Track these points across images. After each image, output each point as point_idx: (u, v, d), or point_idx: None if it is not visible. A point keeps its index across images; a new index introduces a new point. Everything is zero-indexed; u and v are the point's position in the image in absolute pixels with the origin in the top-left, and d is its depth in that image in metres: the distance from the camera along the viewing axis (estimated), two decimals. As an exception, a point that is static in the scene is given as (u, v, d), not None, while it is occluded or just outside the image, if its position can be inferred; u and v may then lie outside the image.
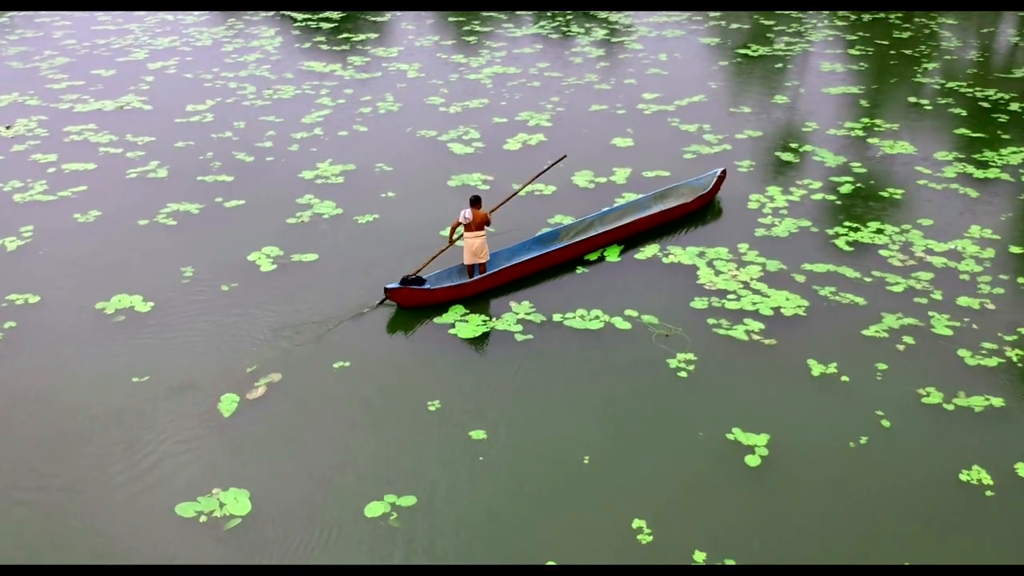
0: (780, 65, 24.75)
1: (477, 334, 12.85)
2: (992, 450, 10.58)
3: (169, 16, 29.84)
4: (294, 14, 29.90)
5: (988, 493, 9.97)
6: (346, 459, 10.51)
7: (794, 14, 30.18)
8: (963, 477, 10.19)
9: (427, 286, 13.46)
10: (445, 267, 14.27)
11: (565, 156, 16.24)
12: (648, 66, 24.70)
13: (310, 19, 29.46)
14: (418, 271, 13.70)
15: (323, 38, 27.40)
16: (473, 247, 13.63)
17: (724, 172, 16.60)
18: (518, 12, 30.30)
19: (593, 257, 14.90)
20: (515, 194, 15.04)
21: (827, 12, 30.14)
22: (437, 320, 13.20)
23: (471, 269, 13.94)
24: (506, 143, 19.48)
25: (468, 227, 13.60)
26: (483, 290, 13.80)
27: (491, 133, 19.99)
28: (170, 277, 14.37)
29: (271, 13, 30.09)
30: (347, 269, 14.55)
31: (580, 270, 14.57)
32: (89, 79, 23.96)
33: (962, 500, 9.89)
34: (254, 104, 21.89)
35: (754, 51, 26.02)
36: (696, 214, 16.15)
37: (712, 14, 30.06)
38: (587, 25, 28.75)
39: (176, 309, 13.51)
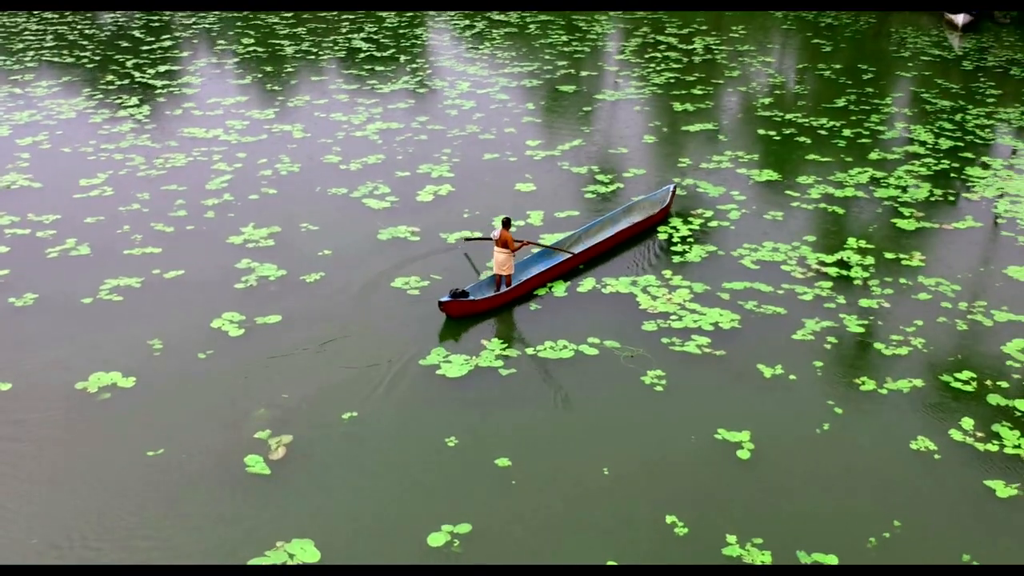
0: (638, 108, 27.13)
1: (464, 372, 13.89)
2: (927, 422, 12.73)
3: (17, 89, 28.86)
4: (155, 82, 29.68)
5: (936, 456, 12.04)
6: (390, 498, 11.31)
7: (634, 59, 32.92)
8: (913, 446, 12.23)
9: (471, 298, 15.26)
10: (477, 281, 16.18)
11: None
12: (520, 115, 26.42)
13: (170, 84, 29.33)
14: (474, 267, 15.87)
15: (192, 104, 27.45)
16: (498, 260, 15.76)
17: (676, 187, 19.19)
18: (378, 68, 31.37)
19: (542, 292, 16.27)
20: (535, 244, 16.71)
21: (661, 57, 33.06)
22: (422, 362, 14.13)
23: (499, 280, 15.88)
24: (418, 195, 20.55)
25: (497, 243, 15.65)
26: (512, 299, 15.80)
27: (400, 187, 21.00)
28: (140, 351, 14.52)
29: (127, 81, 29.72)
30: (313, 327, 15.17)
31: (533, 306, 15.89)
32: (-43, 159, 23.06)
33: (918, 463, 11.92)
34: (149, 174, 21.86)
35: (611, 96, 28.32)
36: (631, 239, 17.98)
37: (557, 64, 32.26)
38: (449, 78, 30.22)
39: (161, 381, 13.74)
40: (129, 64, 31.95)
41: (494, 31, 37.44)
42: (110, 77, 30.19)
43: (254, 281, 16.74)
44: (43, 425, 12.77)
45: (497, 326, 15.27)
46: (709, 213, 19.55)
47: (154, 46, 34.83)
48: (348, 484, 11.59)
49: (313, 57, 33.18)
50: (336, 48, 34.46)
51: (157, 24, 38.99)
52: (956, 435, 12.43)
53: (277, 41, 35.53)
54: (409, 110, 26.85)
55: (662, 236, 18.48)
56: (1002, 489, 11.41)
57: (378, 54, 33.63)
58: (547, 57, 33.18)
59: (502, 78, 30.32)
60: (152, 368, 14.07)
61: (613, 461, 11.95)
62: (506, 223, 15.78)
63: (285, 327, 15.22)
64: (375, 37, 36.46)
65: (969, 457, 12.04)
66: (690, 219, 19.25)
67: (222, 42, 35.61)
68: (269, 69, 31.42)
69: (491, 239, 16.03)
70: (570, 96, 28.41)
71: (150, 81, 29.80)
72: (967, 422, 12.68)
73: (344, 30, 37.57)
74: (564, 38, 36.31)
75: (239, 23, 38.95)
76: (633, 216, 18.91)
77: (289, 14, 40.54)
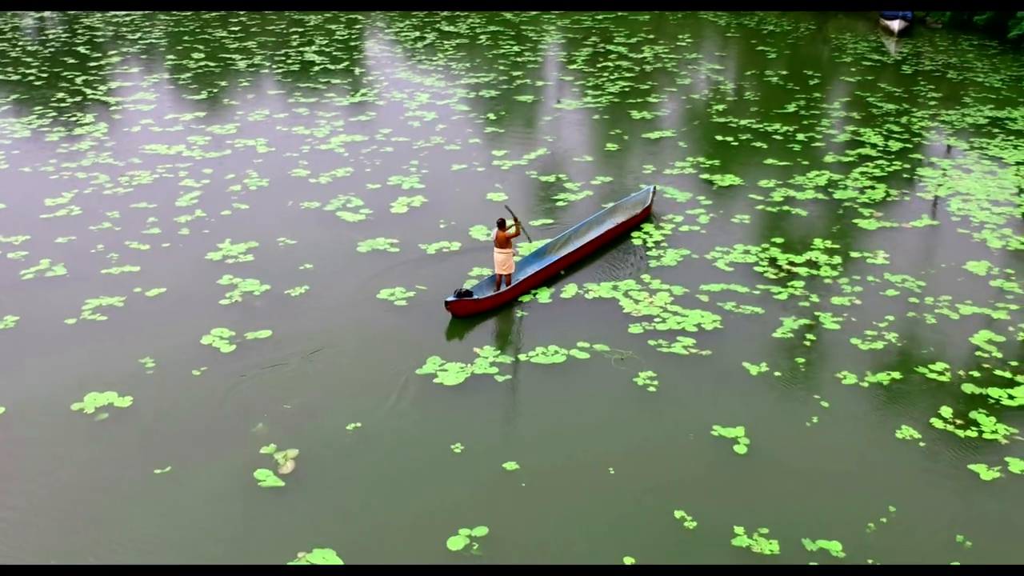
0: (597, 116, 27.67)
1: (461, 380, 14.15)
2: (909, 412, 13.38)
3: (-35, 108, 28.28)
4: (108, 99, 29.32)
5: (921, 444, 12.67)
6: (405, 504, 11.53)
7: (586, 68, 33.50)
8: (898, 435, 12.84)
9: (475, 297, 15.82)
10: (477, 282, 16.81)
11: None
12: (482, 125, 26.76)
13: (124, 101, 29.00)
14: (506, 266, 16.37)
15: (150, 120, 27.20)
16: (499, 260, 16.39)
17: (655, 188, 20.13)
18: (334, 81, 31.43)
19: (527, 299, 16.61)
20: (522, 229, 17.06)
21: (613, 66, 33.70)
22: (419, 371, 14.36)
23: (499, 279, 16.47)
24: (392, 207, 20.74)
25: (496, 244, 16.27)
26: (513, 297, 16.45)
27: (372, 199, 21.16)
28: (132, 370, 14.48)
29: (79, 98, 29.32)
30: (305, 341, 15.28)
31: (520, 313, 16.23)
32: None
33: (905, 451, 12.55)
34: (116, 193, 21.67)
35: (569, 105, 28.83)
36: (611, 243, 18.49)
37: (512, 75, 32.69)
38: (407, 90, 30.42)
39: (158, 399, 13.74)
40: (79, 81, 31.51)
41: (445, 42, 37.73)
42: (61, 94, 29.75)
43: (239, 297, 16.76)
44: (44, 445, 12.71)
45: (488, 334, 15.57)
46: (679, 218, 20.10)
47: (102, 62, 34.38)
48: (361, 493, 11.78)
49: (267, 71, 33.09)
50: (289, 61, 34.41)
51: (101, 39, 38.45)
52: (937, 423, 13.08)
53: (228, 55, 35.33)
54: (371, 122, 26.99)
55: (636, 242, 18.96)
56: (985, 472, 12.06)
57: (332, 67, 33.67)
58: (501, 68, 33.59)
59: (459, 89, 30.62)
60: (147, 386, 14.05)
61: (616, 461, 12.32)
62: (500, 224, 16.27)
63: (276, 341, 15.30)
64: (327, 50, 36.48)
65: (951, 443, 12.69)
66: (661, 224, 19.77)
67: (172, 57, 35.27)
68: (224, 84, 31.27)
69: (493, 240, 16.79)
70: (529, 106, 28.84)
71: (103, 98, 29.44)
72: (946, 410, 13.35)
73: (295, 43, 37.51)
74: (516, 48, 36.78)
75: (187, 37, 38.60)
76: (617, 217, 19.63)
77: (237, 28, 40.30)
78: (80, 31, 40.16)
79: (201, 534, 11.10)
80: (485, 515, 11.34)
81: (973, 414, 13.26)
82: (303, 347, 15.10)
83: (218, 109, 28.39)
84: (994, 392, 13.77)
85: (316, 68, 33.41)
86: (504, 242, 16.25)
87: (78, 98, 29.44)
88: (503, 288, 16.46)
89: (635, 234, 19.28)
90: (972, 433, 12.87)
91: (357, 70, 33.24)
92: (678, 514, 11.34)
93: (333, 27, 40.96)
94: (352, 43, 37.80)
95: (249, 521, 11.29)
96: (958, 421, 13.13)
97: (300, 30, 40.04)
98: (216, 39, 38.28)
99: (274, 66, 33.66)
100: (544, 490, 11.81)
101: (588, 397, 13.78)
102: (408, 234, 19.32)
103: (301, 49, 36.38)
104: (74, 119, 27.17)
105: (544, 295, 16.78)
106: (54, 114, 27.74)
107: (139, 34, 39.40)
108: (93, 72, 32.78)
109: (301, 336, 15.46)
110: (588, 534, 11.08)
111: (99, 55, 35.53)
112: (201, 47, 36.66)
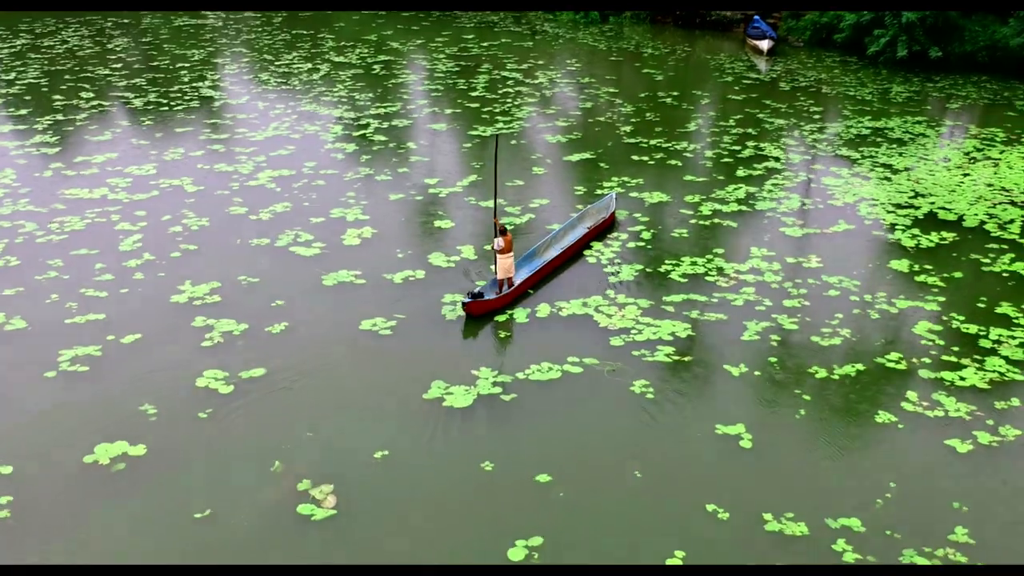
0: (514, 142, 28.63)
1: (470, 402, 14.72)
2: (880, 399, 14.85)
3: None
4: (6, 143, 28.14)
5: (900, 426, 14.13)
6: (455, 524, 12.07)
7: (488, 95, 34.44)
8: (878, 419, 14.27)
9: (486, 297, 17.40)
10: (484, 285, 18.32)
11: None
12: (406, 154, 27.26)
13: (24, 145, 27.93)
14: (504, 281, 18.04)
15: (61, 163, 26.35)
16: (504, 266, 17.92)
17: (616, 194, 22.06)
18: (240, 116, 31.18)
19: (503, 319, 17.32)
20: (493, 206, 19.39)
21: (514, 92, 34.80)
22: (426, 396, 14.83)
23: (501, 283, 18.03)
24: (343, 239, 21.01)
25: (501, 252, 17.74)
26: (516, 296, 18.07)
27: (321, 233, 21.36)
28: (135, 417, 14.35)
29: (-26, 143, 28.03)
30: (301, 376, 15.48)
31: (502, 334, 16.92)
32: None
33: (887, 433, 13.99)
34: (51, 240, 21.03)
35: (484, 131, 29.66)
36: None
37: (418, 103, 33.28)
38: (319, 122, 30.51)
39: (171, 445, 13.72)
40: (-33, 126, 30.07)
41: (341, 73, 37.90)
42: (-48, 140, 28.37)
43: (219, 338, 16.74)
44: (64, 503, 12.51)
45: (481, 356, 16.18)
46: (624, 235, 21.24)
47: (-15, 105, 32.85)
48: (410, 517, 12.21)
49: (167, 108, 32.46)
50: (187, 97, 33.84)
51: (-24, 81, 36.65)
52: (908, 407, 14.60)
53: (119, 94, 34.40)
54: (293, 156, 27.02)
55: (591, 260, 19.97)
56: (961, 446, 13.62)
57: (233, 101, 33.34)
58: (405, 97, 34.12)
59: (371, 119, 30.96)
60: (156, 433, 13.98)
61: (639, 464, 13.19)
62: (502, 231, 17.83)
63: (272, 378, 15.44)
64: (221, 84, 36.05)
65: (924, 424, 14.22)
66: (609, 242, 20.86)
67: (59, 97, 34.04)
68: (125, 123, 30.51)
69: (495, 250, 17.97)
70: (445, 134, 29.51)
71: (1, 143, 28.23)
72: (912, 395, 14.90)
73: (186, 79, 36.86)
74: (413, 77, 37.36)
75: (67, 76, 37.27)
76: (587, 221, 21.48)
77: (119, 64, 39.16)
78: (-52, 72, 38.12)
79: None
80: (535, 526, 11.98)
81: (936, 396, 14.85)
82: (302, 382, 15.31)
83: (128, 150, 27.72)
84: (947, 375, 15.44)
85: (216, 103, 33.01)
86: (507, 247, 17.72)
87: (-28, 143, 28.12)
88: (506, 290, 17.98)
89: (587, 252, 20.28)
90: (940, 413, 14.43)
91: (260, 103, 33.03)
92: (710, 508, 12.31)
93: (219, 61, 40.40)
94: (245, 76, 37.43)
95: (309, 555, 11.51)
96: (924, 403, 14.68)
97: (187, 65, 39.30)
98: (101, 77, 37.13)
99: (172, 103, 33.03)
100: (581, 497, 12.55)
101: (593, 408, 14.61)
102: (368, 265, 19.67)
103: (195, 84, 35.80)
104: (-24, 166, 25.99)
105: (521, 315, 17.52)
106: (-49, 161, 26.45)
107: (13, 74, 37.74)
108: (-21, 116, 31.31)
109: (295, 371, 15.64)
110: (635, 534, 11.89)
111: (-22, 97, 33.90)
112: (87, 86, 35.50)
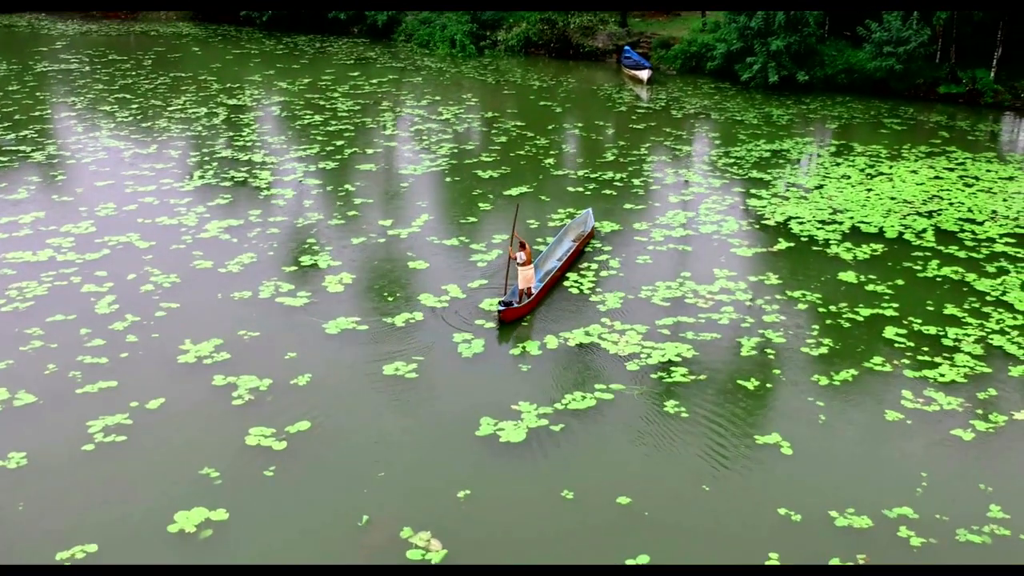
0: (449, 179, 29.41)
1: (523, 437, 15.51)
2: (882, 398, 16.71)
3: None
4: (-86, 206, 26.49)
5: (908, 422, 15.96)
6: (560, 552, 12.84)
7: (402, 133, 35.03)
8: (888, 418, 16.08)
9: (515, 305, 19.50)
10: (504, 294, 20.14)
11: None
12: (348, 197, 27.55)
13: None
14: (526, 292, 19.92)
15: (-15, 226, 25.13)
16: (526, 276, 19.90)
17: (591, 210, 24.00)
18: (158, 165, 30.50)
19: (517, 352, 18.22)
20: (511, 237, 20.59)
21: (425, 129, 35.53)
22: (478, 433, 15.52)
23: (521, 292, 19.90)
24: (326, 287, 21.25)
25: (523, 265, 19.73)
26: (537, 303, 20.13)
27: (300, 282, 21.50)
28: (200, 482, 14.35)
29: None
30: (348, 427, 15.85)
31: (523, 367, 17.76)
32: None
33: (900, 430, 15.82)
34: (17, 308, 20.23)
35: (416, 169, 30.27)
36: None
37: (335, 144, 33.50)
38: (243, 168, 30.26)
39: (250, 508, 13.83)
40: None
41: (242, 116, 37.49)
42: None
43: (248, 395, 16.79)
44: None
45: (513, 390, 16.90)
46: (595, 265, 22.49)
47: None
48: (517, 551, 12.89)
49: (73, 161, 31.26)
50: (91, 148, 32.67)
51: None
52: (907, 404, 16.48)
53: (16, 148, 32.82)
54: (234, 206, 26.81)
55: (573, 291, 21.09)
56: (965, 435, 15.55)
57: (142, 151, 32.45)
58: (321, 139, 34.20)
59: (295, 163, 30.99)
60: (230, 496, 14.04)
61: (706, 479, 14.39)
62: (523, 245, 19.85)
63: (320, 430, 15.71)
64: (120, 133, 34.95)
65: (927, 418, 16.12)
66: (584, 273, 22.05)
67: (-53, 154, 32.13)
68: (36, 179, 29.25)
69: (518, 263, 19.94)
70: (377, 174, 29.95)
71: (-92, 206, 26.57)
72: (907, 394, 16.79)
73: (79, 129, 35.52)
74: (319, 118, 37.40)
75: (-55, 130, 35.15)
76: (571, 235, 23.91)
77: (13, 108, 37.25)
78: None
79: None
80: (636, 545, 12.95)
81: (928, 392, 16.81)
82: (351, 435, 15.65)
83: (53, 206, 26.70)
84: (929, 373, 17.48)
85: (127, 152, 32.06)
86: (528, 260, 19.78)
87: None
88: (525, 300, 19.87)
89: (567, 284, 21.38)
90: (936, 408, 16.38)
91: (173, 152, 32.34)
92: (782, 511, 13.64)
93: (106, 108, 39.02)
94: (143, 124, 36.36)
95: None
96: (920, 400, 16.60)
97: (73, 113, 37.79)
98: (-16, 130, 35.24)
99: (82, 155, 31.82)
100: (665, 515, 13.63)
101: (637, 431, 15.71)
102: (363, 311, 20.06)
103: (92, 135, 34.56)
104: None
105: (532, 347, 18.42)
106: None
107: None
108: None
109: (340, 421, 15.97)
110: (731, 543, 13.08)
111: None
112: (-27, 140, 33.66)
